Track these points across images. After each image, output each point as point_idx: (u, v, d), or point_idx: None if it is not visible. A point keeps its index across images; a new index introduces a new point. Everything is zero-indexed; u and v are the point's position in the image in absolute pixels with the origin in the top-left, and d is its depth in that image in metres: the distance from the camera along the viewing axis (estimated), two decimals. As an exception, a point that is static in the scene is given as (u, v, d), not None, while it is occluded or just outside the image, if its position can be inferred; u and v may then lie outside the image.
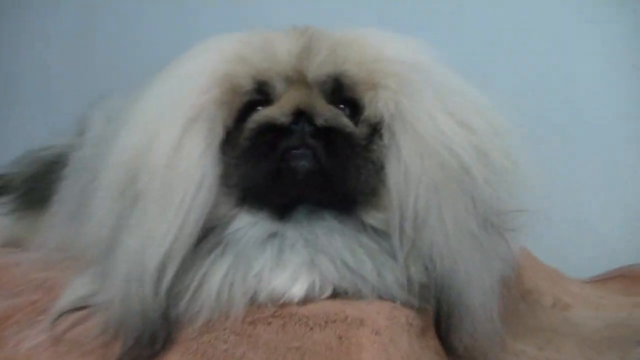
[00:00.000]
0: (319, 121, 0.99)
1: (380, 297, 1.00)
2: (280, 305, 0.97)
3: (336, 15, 1.94)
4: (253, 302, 0.98)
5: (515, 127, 1.07)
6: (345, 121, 1.01)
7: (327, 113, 1.00)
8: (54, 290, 1.12)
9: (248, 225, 1.01)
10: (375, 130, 1.03)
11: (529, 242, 1.41)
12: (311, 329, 0.94)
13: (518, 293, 1.34)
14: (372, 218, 1.02)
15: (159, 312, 0.95)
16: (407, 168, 0.99)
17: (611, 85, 1.72)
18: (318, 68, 1.03)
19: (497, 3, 1.78)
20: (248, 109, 1.03)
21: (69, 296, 1.06)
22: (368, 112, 1.03)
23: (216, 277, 0.98)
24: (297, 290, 0.97)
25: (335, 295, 1.00)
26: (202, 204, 0.97)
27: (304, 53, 1.03)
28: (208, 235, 1.01)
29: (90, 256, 1.06)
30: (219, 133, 1.01)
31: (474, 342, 0.99)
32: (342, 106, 1.04)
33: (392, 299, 1.00)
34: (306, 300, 0.98)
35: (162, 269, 0.96)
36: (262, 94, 1.03)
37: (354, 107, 1.04)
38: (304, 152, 0.98)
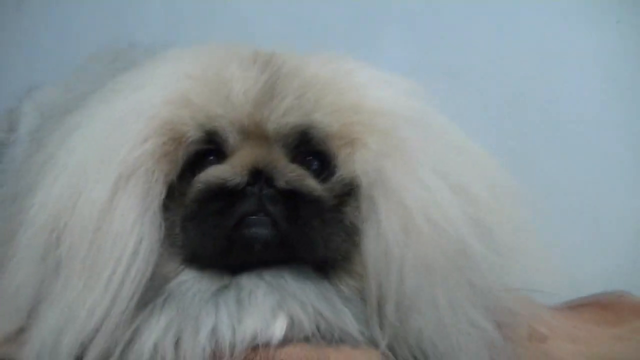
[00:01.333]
0: (280, 183, 0.91)
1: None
2: (252, 350, 0.87)
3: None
4: (215, 356, 0.88)
5: (523, 189, 1.00)
6: (311, 184, 0.92)
7: (290, 174, 0.91)
8: None
9: (194, 279, 0.92)
10: (350, 189, 0.95)
11: None
12: None
13: None
14: (345, 285, 0.94)
15: None
16: (388, 245, 0.90)
17: (588, 96, 1.73)
18: (281, 118, 0.93)
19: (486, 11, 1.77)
20: (195, 159, 0.94)
21: None
22: (342, 172, 0.94)
23: (154, 331, 0.88)
24: (277, 329, 0.87)
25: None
26: (138, 276, 0.89)
27: (265, 96, 0.93)
28: (143, 290, 0.91)
29: (11, 312, 0.94)
30: (159, 191, 0.92)
31: None
32: (309, 158, 0.95)
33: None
34: (285, 342, 0.88)
35: (83, 348, 0.87)
36: (212, 143, 0.94)
37: (324, 162, 0.95)
38: (261, 219, 0.90)
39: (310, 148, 0.95)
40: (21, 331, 0.92)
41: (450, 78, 1.69)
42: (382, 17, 1.85)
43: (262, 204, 0.89)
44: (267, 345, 0.89)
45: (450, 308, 0.89)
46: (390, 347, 0.90)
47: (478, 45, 1.76)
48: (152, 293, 0.91)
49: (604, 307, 1.55)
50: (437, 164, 0.93)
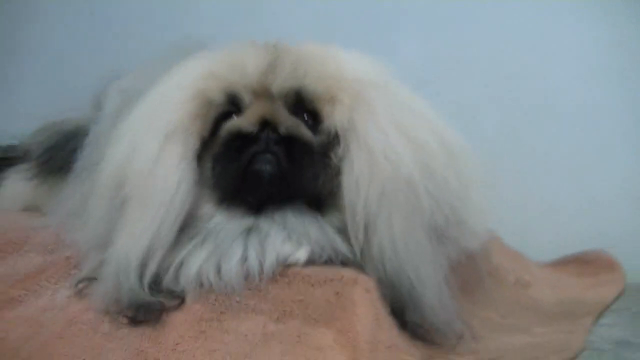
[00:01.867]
0: (282, 130, 1.09)
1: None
2: (286, 267, 1.09)
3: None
4: (248, 276, 1.08)
5: (468, 145, 1.16)
6: (304, 131, 1.11)
7: (289, 123, 1.10)
8: (83, 250, 1.21)
9: (225, 221, 1.12)
10: (333, 139, 1.12)
11: (497, 227, 1.55)
12: (312, 285, 1.07)
13: (485, 270, 1.46)
14: (334, 218, 1.12)
15: (147, 295, 1.06)
16: (357, 177, 1.08)
17: (575, 86, 1.87)
18: (281, 82, 1.12)
19: (488, 10, 1.92)
20: (221, 119, 1.13)
21: (85, 266, 1.17)
22: (326, 124, 1.12)
23: (197, 260, 1.09)
24: (302, 253, 1.10)
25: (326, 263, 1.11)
26: (178, 206, 1.08)
27: (269, 68, 1.13)
28: (187, 228, 1.11)
29: (94, 242, 1.16)
30: (194, 143, 1.12)
31: (429, 324, 1.07)
32: (305, 116, 1.13)
33: None
34: (307, 263, 1.10)
35: (144, 263, 1.06)
36: (232, 105, 1.14)
37: (315, 118, 1.13)
38: (268, 157, 1.09)
39: (303, 107, 1.12)
40: (101, 264, 1.12)
41: (458, 67, 1.90)
42: (397, 15, 2.00)
43: (269, 146, 1.08)
44: (291, 265, 1.10)
45: (401, 228, 1.06)
46: (362, 262, 1.08)
47: (481, 40, 1.91)
48: (194, 231, 1.11)
49: (584, 263, 1.75)
50: (395, 118, 1.11)
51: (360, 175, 1.08)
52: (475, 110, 1.69)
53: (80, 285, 1.14)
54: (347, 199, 1.09)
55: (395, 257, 1.06)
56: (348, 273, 1.09)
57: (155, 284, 1.08)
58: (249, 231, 1.11)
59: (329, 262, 1.12)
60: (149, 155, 1.09)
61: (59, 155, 1.59)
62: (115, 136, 1.16)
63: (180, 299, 1.07)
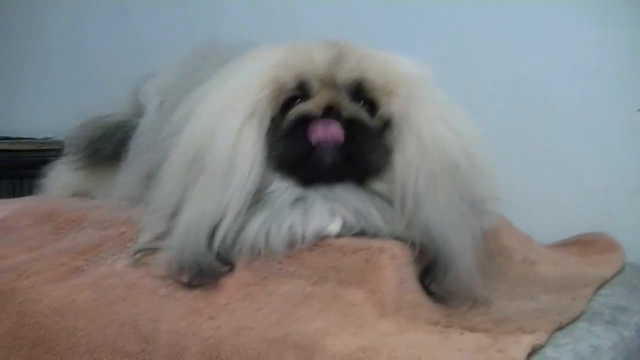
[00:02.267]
0: (345, 114, 1.22)
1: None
2: (321, 238, 1.23)
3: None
4: (291, 243, 1.22)
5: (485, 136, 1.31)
6: (364, 115, 1.24)
7: (351, 108, 1.23)
8: (137, 225, 1.37)
9: (280, 190, 1.25)
10: (387, 124, 1.26)
11: (506, 212, 1.62)
12: (344, 254, 1.20)
13: (496, 249, 1.56)
14: (379, 187, 1.26)
15: (211, 258, 1.18)
16: (410, 160, 1.22)
17: (575, 85, 1.97)
18: (346, 74, 1.25)
19: (494, 16, 2.05)
20: (289, 102, 1.26)
21: (144, 237, 1.30)
22: (382, 111, 1.26)
23: (254, 225, 1.21)
24: (334, 226, 1.24)
25: (358, 235, 1.25)
26: (255, 178, 1.22)
27: (335, 61, 1.26)
28: (253, 197, 1.23)
29: (161, 213, 1.28)
30: (267, 123, 1.25)
31: (455, 290, 1.20)
32: (363, 102, 1.26)
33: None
34: (339, 235, 1.24)
35: (216, 227, 1.19)
36: (301, 90, 1.26)
37: (371, 106, 1.26)
38: None
39: (363, 96, 1.26)
40: (165, 233, 1.25)
41: (466, 68, 2.01)
42: (414, 19, 2.15)
43: None
44: (325, 237, 1.23)
45: (446, 202, 1.20)
46: (406, 236, 1.21)
47: (487, 42, 2.02)
48: (256, 197, 1.22)
49: (586, 244, 1.83)
50: (440, 112, 1.26)
51: (412, 158, 1.22)
52: (482, 109, 1.80)
53: (138, 255, 1.28)
54: (399, 176, 1.23)
55: (441, 225, 1.19)
56: (376, 243, 1.22)
57: (217, 253, 1.20)
58: (298, 200, 1.25)
59: (361, 233, 1.25)
60: (231, 133, 1.21)
61: (105, 147, 1.74)
62: (189, 118, 1.28)
63: (231, 265, 1.21)
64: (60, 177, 1.84)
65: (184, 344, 1.10)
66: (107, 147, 1.74)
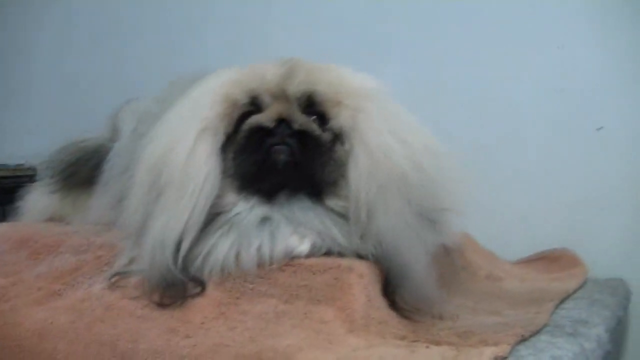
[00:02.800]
0: (295, 126, 1.26)
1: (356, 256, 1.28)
2: (290, 258, 1.28)
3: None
4: (260, 263, 1.27)
5: (444, 146, 1.34)
6: (314, 127, 1.28)
7: (301, 120, 1.27)
8: (114, 249, 1.40)
9: (246, 211, 1.29)
10: (338, 136, 1.30)
11: (474, 228, 1.72)
12: (314, 273, 1.24)
13: (460, 265, 1.61)
14: (335, 204, 1.29)
15: (178, 273, 1.22)
16: (361, 172, 1.25)
17: (541, 105, 2.05)
18: (296, 87, 1.29)
19: (463, 42, 2.12)
20: (243, 117, 1.30)
21: (120, 261, 1.34)
22: (332, 123, 1.29)
23: (224, 247, 1.25)
24: (304, 248, 1.28)
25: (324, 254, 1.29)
26: (209, 192, 1.25)
27: (286, 75, 1.30)
28: (215, 219, 1.28)
29: (130, 233, 1.33)
30: (220, 138, 1.29)
31: (414, 302, 1.25)
32: (314, 117, 1.29)
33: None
34: (310, 255, 1.28)
35: (179, 242, 1.22)
36: (253, 105, 1.30)
37: (322, 118, 1.30)
38: (283, 148, 1.25)
39: (314, 108, 1.29)
40: (139, 256, 1.29)
41: (436, 90, 2.11)
42: (384, 44, 2.22)
43: (284, 139, 1.25)
44: (292, 258, 1.27)
45: (396, 214, 1.23)
46: (363, 249, 1.26)
47: (456, 66, 2.10)
48: (220, 221, 1.26)
49: (550, 260, 1.91)
50: (389, 123, 1.29)
51: (363, 169, 1.25)
52: (451, 128, 1.84)
53: (114, 279, 1.31)
54: (352, 188, 1.26)
55: (391, 236, 1.23)
56: (344, 262, 1.27)
57: (184, 269, 1.23)
58: (263, 221, 1.29)
59: (327, 253, 1.30)
60: (185, 149, 1.26)
61: (81, 170, 1.79)
62: (153, 136, 1.33)
63: (202, 285, 1.24)
64: (37, 200, 1.87)
65: (161, 362, 1.14)
66: (83, 170, 1.78)
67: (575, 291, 1.67)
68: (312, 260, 1.29)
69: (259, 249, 1.27)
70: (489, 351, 1.09)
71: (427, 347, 1.13)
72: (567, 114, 2.02)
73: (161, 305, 1.23)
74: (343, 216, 1.29)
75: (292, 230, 1.29)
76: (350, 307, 1.20)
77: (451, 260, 1.55)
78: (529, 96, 2.05)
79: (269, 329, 1.17)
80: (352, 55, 2.12)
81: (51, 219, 1.81)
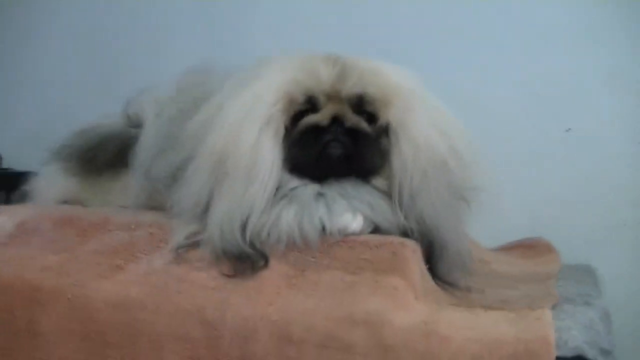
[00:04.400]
0: (348, 124, 1.38)
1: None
2: (345, 235, 1.37)
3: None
4: (322, 235, 1.35)
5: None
6: (365, 125, 1.40)
7: (353, 119, 1.39)
8: (164, 227, 1.46)
9: (302, 186, 1.40)
10: (384, 131, 1.42)
11: None
12: (371, 248, 1.33)
13: None
14: (379, 183, 1.42)
15: (247, 245, 1.32)
16: (405, 160, 1.39)
17: (516, 108, 2.23)
18: (349, 89, 1.40)
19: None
20: (300, 115, 1.41)
21: (179, 235, 1.39)
22: (381, 121, 1.41)
23: (288, 217, 1.35)
24: (357, 225, 1.39)
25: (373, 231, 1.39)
26: (275, 177, 1.38)
27: (339, 77, 1.41)
28: (275, 194, 1.39)
29: (190, 213, 1.40)
30: (282, 131, 1.41)
31: (451, 275, 1.38)
32: (364, 114, 1.41)
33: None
34: (361, 232, 1.39)
35: (246, 220, 1.33)
36: (309, 104, 1.41)
37: (371, 116, 1.42)
38: (337, 144, 1.38)
39: (364, 108, 1.41)
40: (198, 232, 1.37)
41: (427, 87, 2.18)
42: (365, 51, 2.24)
43: (337, 136, 1.38)
44: (349, 234, 1.36)
45: (437, 195, 1.38)
46: (405, 225, 1.38)
47: (445, 69, 2.21)
48: (280, 193, 1.37)
49: (527, 247, 2.03)
50: (429, 117, 1.43)
51: (407, 159, 1.40)
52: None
53: (181, 250, 1.37)
54: (396, 175, 1.40)
55: (433, 215, 1.38)
56: (395, 239, 1.36)
57: (251, 242, 1.33)
58: (319, 196, 1.40)
59: (374, 231, 1.41)
60: (250, 140, 1.37)
61: (102, 155, 1.82)
62: (210, 128, 1.42)
63: (265, 259, 1.33)
64: (52, 182, 1.88)
65: (253, 327, 1.22)
66: (104, 155, 1.82)
67: (557, 273, 1.80)
68: (365, 237, 1.39)
69: (320, 220, 1.38)
70: (544, 312, 1.23)
71: (486, 311, 1.25)
72: (539, 115, 2.21)
73: (231, 276, 1.31)
74: (387, 194, 1.42)
75: (347, 204, 1.40)
76: (411, 277, 1.30)
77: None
78: (509, 98, 2.22)
79: (346, 296, 1.25)
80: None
81: (69, 202, 1.83)
